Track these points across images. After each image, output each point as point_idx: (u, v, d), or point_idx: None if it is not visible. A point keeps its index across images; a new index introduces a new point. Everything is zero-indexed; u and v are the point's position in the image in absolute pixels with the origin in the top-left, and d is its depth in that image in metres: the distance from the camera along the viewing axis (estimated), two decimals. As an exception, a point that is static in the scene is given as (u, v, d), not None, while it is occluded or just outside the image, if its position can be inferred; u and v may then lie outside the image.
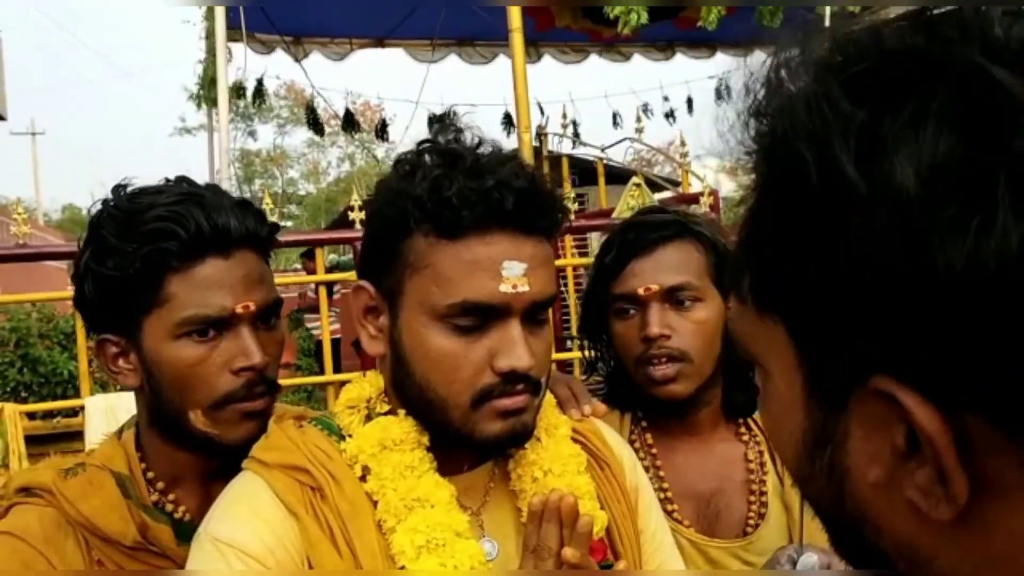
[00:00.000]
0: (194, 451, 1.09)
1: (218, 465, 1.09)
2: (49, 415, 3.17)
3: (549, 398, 1.06)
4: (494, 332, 0.91)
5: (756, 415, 1.42)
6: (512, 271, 0.89)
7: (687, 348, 1.28)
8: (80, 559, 1.02)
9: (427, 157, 0.93)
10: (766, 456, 1.39)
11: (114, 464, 1.09)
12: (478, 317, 0.90)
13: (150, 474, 1.11)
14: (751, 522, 1.34)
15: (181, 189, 1.09)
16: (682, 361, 1.28)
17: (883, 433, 0.40)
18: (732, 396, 1.38)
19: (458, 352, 0.91)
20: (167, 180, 1.12)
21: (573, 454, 1.03)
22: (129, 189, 1.09)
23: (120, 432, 1.15)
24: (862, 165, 0.37)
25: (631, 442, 1.35)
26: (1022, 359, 0.35)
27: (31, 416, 3.01)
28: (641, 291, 1.29)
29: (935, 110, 0.36)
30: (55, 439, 2.89)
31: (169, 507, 1.10)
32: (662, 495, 1.31)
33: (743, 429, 1.42)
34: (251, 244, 1.09)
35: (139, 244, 1.02)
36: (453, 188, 0.88)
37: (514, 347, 0.90)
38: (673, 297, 1.30)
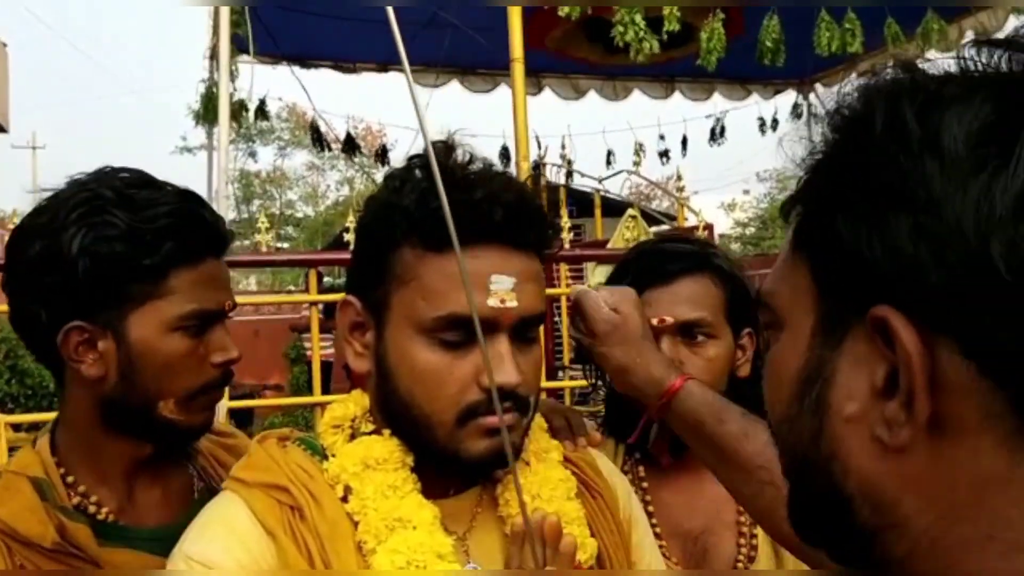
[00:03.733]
0: (140, 439, 1.13)
1: (141, 462, 1.14)
2: (34, 427, 3.14)
3: (540, 422, 1.04)
4: None
5: None
6: (500, 285, 0.88)
7: None
8: (3, 563, 1.02)
9: (416, 172, 0.92)
10: None
11: (30, 470, 1.09)
12: (465, 331, 0.88)
13: (69, 478, 1.11)
14: (740, 564, 1.32)
15: (175, 188, 1.13)
16: None
17: (866, 370, 0.48)
18: None
19: (443, 367, 0.89)
20: (116, 168, 1.13)
21: (563, 479, 1.01)
22: (121, 176, 1.10)
23: (35, 441, 1.15)
24: (920, 117, 0.46)
25: (623, 473, 1.34)
26: (1004, 299, 0.42)
27: (16, 428, 2.98)
28: (655, 322, 1.26)
29: (983, 89, 0.45)
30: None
31: (92, 508, 1.10)
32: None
33: None
34: (224, 250, 1.16)
35: (153, 236, 1.04)
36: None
37: (501, 362, 0.88)
38: (686, 331, 1.28)
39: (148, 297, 1.05)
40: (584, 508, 1.01)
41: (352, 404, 0.99)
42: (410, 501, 0.91)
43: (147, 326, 1.06)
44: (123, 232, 1.03)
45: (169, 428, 1.11)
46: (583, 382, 1.44)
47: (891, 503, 0.48)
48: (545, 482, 0.99)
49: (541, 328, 1.00)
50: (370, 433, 0.95)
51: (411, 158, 0.96)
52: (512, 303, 0.89)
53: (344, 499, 0.91)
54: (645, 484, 1.36)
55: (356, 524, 0.90)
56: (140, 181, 1.10)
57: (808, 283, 0.51)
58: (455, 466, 0.93)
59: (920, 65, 0.50)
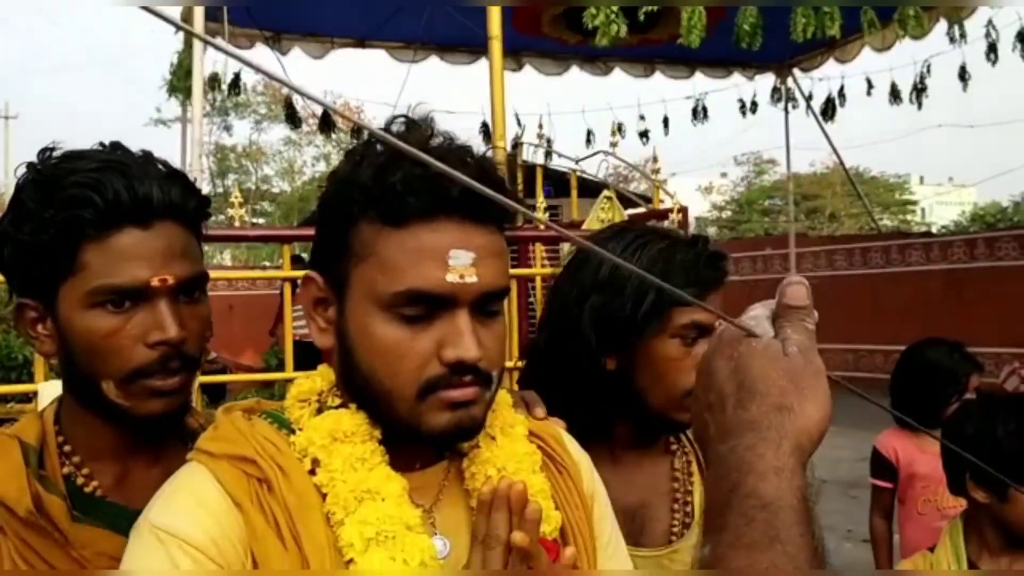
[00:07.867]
0: (109, 421, 1.08)
1: (137, 440, 1.10)
2: (3, 399, 3.12)
3: (505, 397, 1.05)
4: (441, 322, 0.89)
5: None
6: (459, 260, 0.88)
7: None
8: None
9: (377, 146, 0.92)
10: (694, 466, 1.40)
11: (25, 434, 1.07)
12: (424, 306, 0.88)
13: (66, 447, 1.09)
14: (675, 530, 1.35)
15: (106, 156, 1.06)
16: None
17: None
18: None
19: (403, 342, 0.89)
20: (101, 145, 1.10)
21: (528, 452, 1.01)
22: (56, 153, 1.07)
23: (46, 409, 1.14)
24: None
25: None
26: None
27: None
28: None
29: None
30: (7, 423, 2.84)
31: (80, 480, 1.08)
32: None
33: (672, 438, 1.42)
34: (175, 216, 1.07)
35: (55, 211, 1.00)
36: (398, 174, 0.87)
37: (461, 337, 0.88)
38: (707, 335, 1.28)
39: (67, 273, 1.02)
40: (549, 482, 1.02)
41: (319, 379, 0.99)
42: (378, 473, 0.91)
43: (68, 303, 1.03)
44: (30, 212, 1.02)
45: (120, 412, 1.06)
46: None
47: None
48: (511, 455, 0.99)
49: (509, 302, 0.99)
50: (337, 407, 0.96)
51: (372, 133, 0.96)
52: (472, 278, 0.88)
53: (312, 472, 0.91)
54: None
55: (324, 496, 0.89)
56: (65, 155, 1.06)
57: None
58: (418, 440, 0.93)
59: None
